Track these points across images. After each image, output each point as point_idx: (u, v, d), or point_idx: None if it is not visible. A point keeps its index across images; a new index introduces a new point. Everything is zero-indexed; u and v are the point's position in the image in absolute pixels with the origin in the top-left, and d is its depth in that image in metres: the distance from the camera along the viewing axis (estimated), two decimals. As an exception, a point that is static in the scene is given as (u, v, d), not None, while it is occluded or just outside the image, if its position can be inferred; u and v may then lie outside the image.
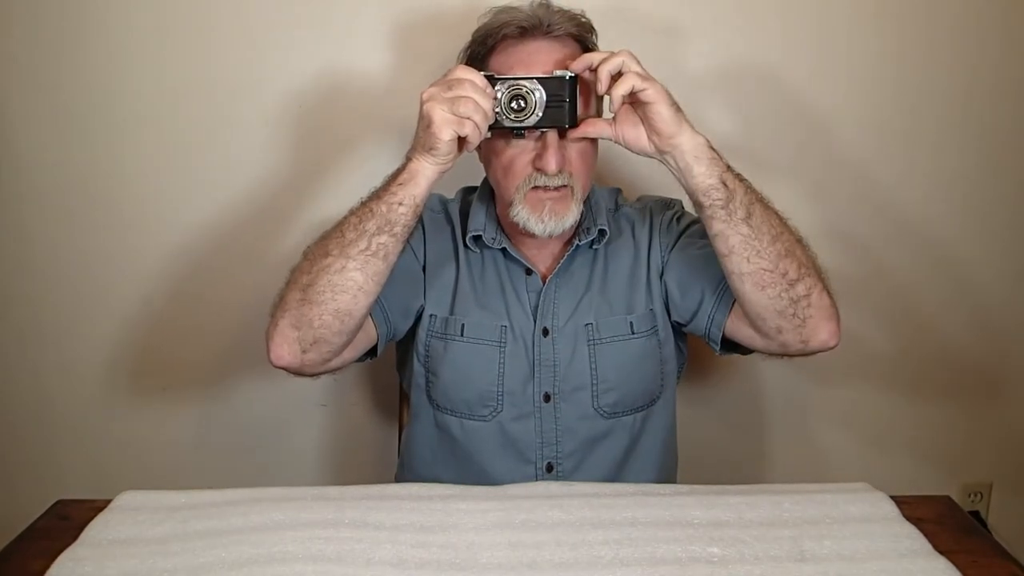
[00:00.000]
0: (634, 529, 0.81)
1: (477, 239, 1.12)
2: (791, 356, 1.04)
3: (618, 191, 1.22)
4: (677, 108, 0.94)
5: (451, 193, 1.22)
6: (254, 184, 1.39)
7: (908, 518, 0.84)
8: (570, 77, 0.96)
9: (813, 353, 1.02)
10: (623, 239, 1.15)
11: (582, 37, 1.05)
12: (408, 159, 0.96)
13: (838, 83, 1.40)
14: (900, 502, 0.87)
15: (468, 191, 1.21)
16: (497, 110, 0.95)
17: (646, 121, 0.95)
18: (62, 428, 1.48)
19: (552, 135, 1.00)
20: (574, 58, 0.99)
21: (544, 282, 1.12)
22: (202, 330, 1.45)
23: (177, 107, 1.35)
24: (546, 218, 1.02)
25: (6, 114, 1.35)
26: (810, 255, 0.99)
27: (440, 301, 1.13)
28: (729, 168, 0.96)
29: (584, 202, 1.12)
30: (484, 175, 1.13)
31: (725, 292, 1.04)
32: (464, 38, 1.09)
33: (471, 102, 0.91)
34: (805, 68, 1.39)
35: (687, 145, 0.94)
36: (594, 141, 1.05)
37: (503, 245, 1.11)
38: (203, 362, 1.46)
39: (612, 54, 0.93)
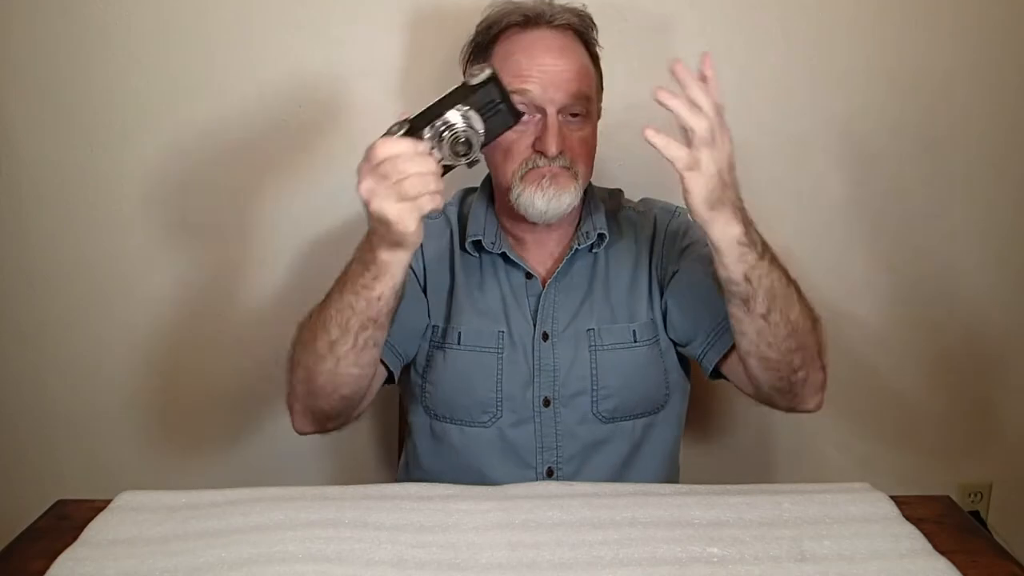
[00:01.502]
0: (634, 529, 0.81)
1: (476, 243, 1.11)
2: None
3: (620, 192, 1.22)
4: (720, 195, 0.83)
5: (450, 194, 1.22)
6: (255, 184, 1.39)
7: (908, 518, 0.84)
8: (488, 77, 0.84)
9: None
10: (625, 242, 1.14)
11: (583, 29, 1.07)
12: (373, 250, 0.87)
13: (838, 82, 1.40)
14: (900, 502, 0.87)
15: (468, 192, 1.20)
16: (445, 163, 0.84)
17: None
18: (62, 428, 1.48)
19: (553, 116, 1.00)
20: (574, 48, 1.03)
21: (544, 286, 1.11)
22: (202, 330, 1.45)
23: (177, 107, 1.35)
24: (546, 186, 1.00)
25: (6, 114, 1.35)
26: (820, 340, 0.96)
27: (437, 310, 1.12)
28: (761, 257, 0.87)
29: (583, 204, 1.12)
30: (484, 175, 1.13)
31: (722, 335, 1.03)
32: (467, 35, 1.09)
33: (415, 178, 0.81)
34: (804, 67, 1.39)
35: (715, 235, 0.85)
36: (595, 126, 1.06)
37: (503, 249, 1.10)
38: (203, 361, 1.46)
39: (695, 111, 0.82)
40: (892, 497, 0.88)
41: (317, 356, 0.94)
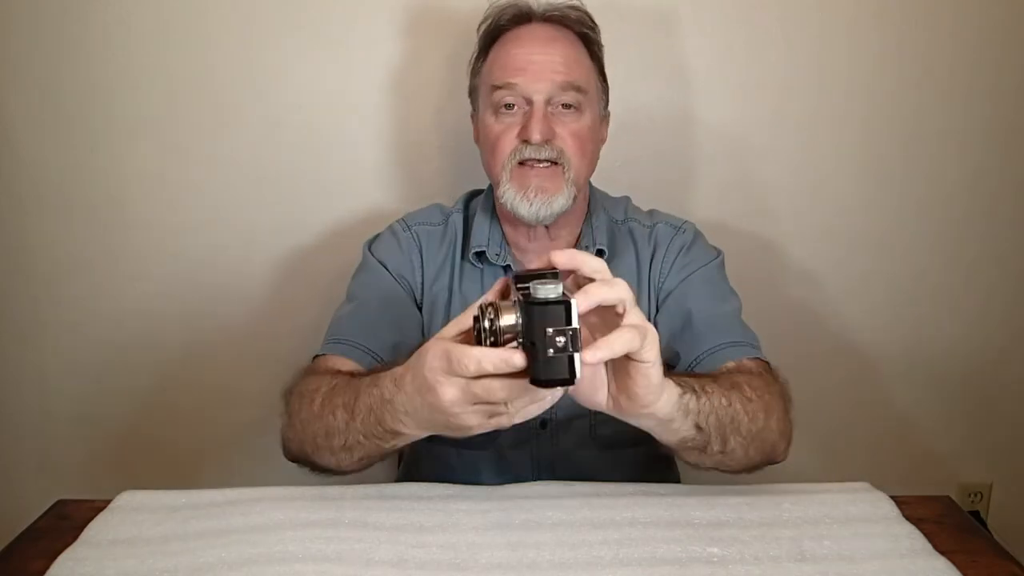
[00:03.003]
0: (634, 529, 0.81)
1: (480, 255, 1.08)
2: None
3: (627, 200, 1.17)
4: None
5: (453, 196, 1.21)
6: (255, 184, 1.39)
7: (908, 518, 0.84)
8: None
9: None
10: (627, 258, 1.09)
11: (580, 25, 1.05)
12: (405, 425, 0.77)
13: (839, 82, 1.40)
14: (900, 502, 0.87)
15: (473, 195, 1.17)
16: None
17: (618, 380, 0.72)
18: (62, 428, 1.48)
19: (539, 104, 0.98)
20: (565, 40, 1.00)
21: None
22: (202, 329, 1.45)
23: (177, 107, 1.35)
24: (532, 196, 0.98)
25: (6, 114, 1.35)
26: (779, 423, 0.89)
27: (433, 324, 1.08)
28: (700, 393, 0.78)
29: (586, 213, 1.09)
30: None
31: (701, 364, 0.99)
32: (466, 37, 1.10)
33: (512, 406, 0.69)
34: (805, 67, 1.39)
35: (663, 411, 0.74)
36: (593, 123, 1.03)
37: (507, 262, 1.07)
38: (203, 361, 1.46)
39: (609, 282, 0.67)
40: (892, 497, 0.88)
41: (316, 445, 0.87)
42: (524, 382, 0.64)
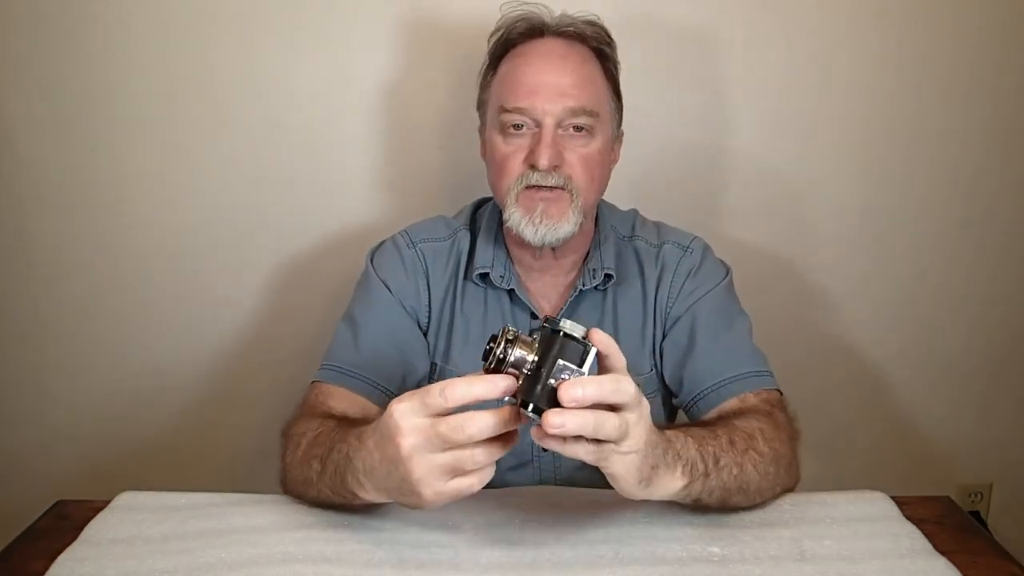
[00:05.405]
0: (634, 528, 0.81)
1: (484, 276, 1.05)
2: None
3: (635, 214, 1.14)
4: (649, 469, 0.71)
5: (454, 197, 1.21)
6: (255, 185, 1.39)
7: (908, 518, 0.84)
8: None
9: None
10: (634, 280, 1.06)
11: (595, 41, 1.01)
12: (364, 488, 0.75)
13: (839, 83, 1.40)
14: (900, 502, 0.87)
15: (480, 203, 1.13)
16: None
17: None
18: (62, 428, 1.48)
19: (548, 128, 0.95)
20: (579, 59, 0.97)
21: None
22: (203, 329, 1.45)
23: (177, 107, 1.35)
24: (537, 221, 0.96)
25: (6, 114, 1.35)
26: (787, 477, 0.88)
27: (436, 347, 1.06)
28: (706, 477, 0.77)
29: (594, 232, 1.07)
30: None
31: (715, 391, 0.97)
32: (467, 39, 1.09)
33: (479, 455, 0.67)
34: (805, 67, 1.39)
35: (658, 497, 0.75)
36: (604, 146, 0.99)
37: (511, 286, 1.04)
38: (204, 362, 1.46)
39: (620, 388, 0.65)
40: (892, 497, 0.88)
41: (298, 493, 0.87)
42: (497, 417, 0.65)
